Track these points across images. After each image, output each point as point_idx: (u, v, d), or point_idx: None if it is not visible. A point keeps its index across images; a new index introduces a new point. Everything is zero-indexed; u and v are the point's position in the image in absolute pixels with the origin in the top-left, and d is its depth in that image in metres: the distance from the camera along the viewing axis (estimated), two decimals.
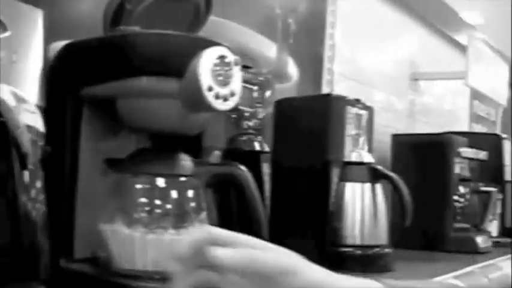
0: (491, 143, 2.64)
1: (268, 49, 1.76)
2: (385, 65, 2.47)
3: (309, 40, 1.97)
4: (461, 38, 3.01)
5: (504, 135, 2.71)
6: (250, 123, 1.20)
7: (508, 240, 2.46)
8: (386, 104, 2.48)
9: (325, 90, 2.02)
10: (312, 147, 1.56)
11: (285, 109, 1.65)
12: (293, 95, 1.84)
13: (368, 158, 1.61)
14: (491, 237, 2.48)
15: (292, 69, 1.86)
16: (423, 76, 2.65)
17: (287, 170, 1.54)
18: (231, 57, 0.96)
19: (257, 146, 1.20)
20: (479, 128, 3.70)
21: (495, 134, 2.79)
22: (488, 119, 3.91)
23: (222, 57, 0.94)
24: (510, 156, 2.72)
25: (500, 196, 2.64)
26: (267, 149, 1.24)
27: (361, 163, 1.59)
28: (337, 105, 1.59)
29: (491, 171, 2.61)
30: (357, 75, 2.26)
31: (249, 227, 0.97)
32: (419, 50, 2.79)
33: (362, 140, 1.64)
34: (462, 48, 2.87)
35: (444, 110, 3.17)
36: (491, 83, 2.76)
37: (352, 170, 1.58)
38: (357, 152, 1.61)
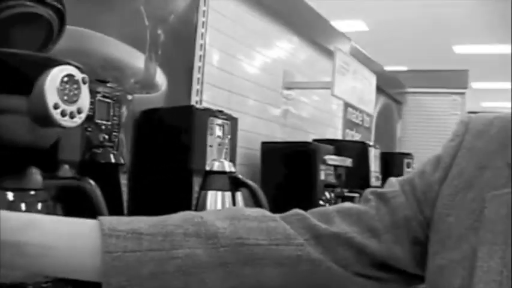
0: (358, 150, 2.79)
1: (136, 59, 1.80)
2: (257, 74, 2.56)
3: (179, 50, 2.02)
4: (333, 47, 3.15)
5: (370, 143, 2.85)
6: (107, 136, 1.24)
7: None
8: (259, 112, 2.56)
9: (194, 99, 2.07)
10: (175, 157, 1.62)
11: (150, 119, 1.70)
12: (162, 105, 1.88)
13: (229, 167, 1.68)
14: None
15: (161, 79, 1.91)
16: (295, 85, 2.76)
17: (150, 179, 1.59)
18: (79, 76, 1.00)
19: (113, 158, 1.25)
20: (352, 134, 3.87)
21: (361, 142, 2.94)
22: (362, 125, 4.09)
23: (69, 76, 0.98)
24: (375, 162, 2.88)
25: None
26: (122, 161, 1.28)
27: (222, 172, 1.66)
28: (200, 116, 1.65)
29: (358, 177, 2.75)
30: (228, 85, 2.33)
31: None
32: (292, 59, 2.89)
33: (225, 150, 1.71)
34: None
35: (319, 117, 3.30)
36: (359, 94, 2.91)
37: (213, 179, 1.65)
38: (219, 162, 1.67)
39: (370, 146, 2.83)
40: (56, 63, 0.97)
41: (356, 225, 0.74)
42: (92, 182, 1.02)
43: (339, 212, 0.76)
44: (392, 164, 3.22)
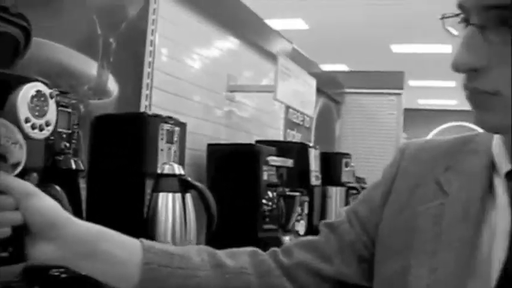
0: (298, 150, 2.93)
1: (89, 67, 1.89)
2: (202, 77, 2.67)
3: (129, 57, 2.11)
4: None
5: (310, 144, 3.00)
6: (67, 144, 1.33)
7: None
8: (204, 114, 2.67)
9: (144, 104, 2.17)
10: (128, 161, 1.71)
11: (104, 125, 1.79)
12: (113, 111, 1.98)
13: (179, 170, 1.79)
14: (299, 235, 2.77)
15: (113, 86, 2.00)
16: (238, 88, 2.88)
17: (105, 183, 1.68)
18: (47, 91, 1.09)
19: (73, 165, 1.34)
20: (293, 134, 4.01)
21: (302, 143, 3.08)
22: (302, 125, 4.25)
23: (38, 92, 1.07)
24: (315, 162, 3.02)
25: (307, 199, 2.94)
26: (82, 167, 1.37)
27: (173, 175, 1.76)
28: (151, 122, 1.75)
29: (299, 176, 2.90)
30: (175, 89, 2.43)
31: None
32: (235, 62, 3.01)
33: (174, 153, 1.82)
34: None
35: (262, 118, 3.43)
36: (300, 97, 3.05)
37: (164, 182, 1.75)
38: (170, 165, 1.78)
39: (310, 147, 2.98)
40: (26, 80, 1.06)
41: (310, 253, 0.91)
42: (59, 188, 1.11)
43: (297, 244, 0.94)
44: (331, 163, 3.38)
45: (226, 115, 2.94)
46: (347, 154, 3.58)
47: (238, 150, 2.49)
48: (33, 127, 1.06)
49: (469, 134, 0.92)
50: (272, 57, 3.16)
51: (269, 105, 3.51)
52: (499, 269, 0.77)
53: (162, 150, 1.77)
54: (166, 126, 1.79)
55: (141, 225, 1.71)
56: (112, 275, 0.85)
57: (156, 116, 1.78)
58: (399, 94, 5.36)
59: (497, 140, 0.84)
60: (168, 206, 1.74)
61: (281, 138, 3.72)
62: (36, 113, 1.07)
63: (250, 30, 3.16)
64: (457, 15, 0.75)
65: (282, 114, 3.79)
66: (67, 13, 1.81)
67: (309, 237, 0.95)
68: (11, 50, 1.19)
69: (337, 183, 3.40)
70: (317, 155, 3.06)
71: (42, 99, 1.09)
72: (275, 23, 9.20)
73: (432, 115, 14.21)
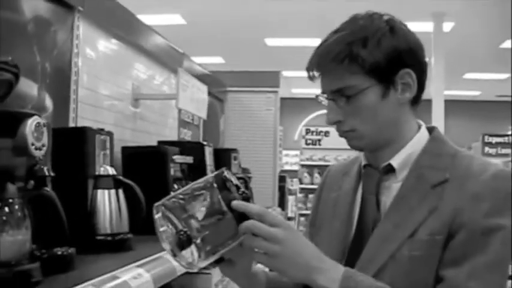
0: (196, 149, 3.42)
1: (32, 89, 2.30)
2: (114, 89, 3.11)
3: (59, 78, 2.53)
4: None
5: (205, 143, 3.50)
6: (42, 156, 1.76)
7: None
8: (116, 121, 3.12)
9: (71, 116, 2.59)
10: (73, 166, 2.15)
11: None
12: (51, 123, 2.39)
13: (112, 171, 2.24)
14: None
15: (49, 102, 2.41)
16: (143, 97, 3.33)
17: (56, 184, 2.11)
18: (42, 122, 1.54)
19: (46, 171, 1.76)
20: (185, 132, 4.50)
21: (199, 142, 3.57)
22: (192, 123, 4.74)
23: (38, 123, 1.52)
24: (209, 157, 3.53)
25: None
26: (52, 173, 1.79)
27: (107, 175, 2.22)
28: (89, 134, 2.20)
29: (198, 170, 3.38)
30: (94, 102, 2.87)
31: (56, 227, 1.57)
32: (143, 75, 3.48)
33: (107, 157, 2.27)
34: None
35: (159, 120, 3.89)
36: (195, 103, 3.55)
37: (102, 181, 2.20)
38: (104, 167, 2.23)
39: (205, 145, 3.48)
40: (30, 115, 1.51)
41: None
42: (50, 190, 1.56)
43: None
44: (221, 158, 3.90)
45: (132, 120, 3.40)
46: (235, 149, 4.12)
47: (149, 151, 2.95)
48: (36, 148, 1.52)
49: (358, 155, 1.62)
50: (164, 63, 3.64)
51: (165, 108, 3.99)
52: (356, 226, 1.47)
53: (98, 155, 2.22)
54: (100, 137, 2.24)
55: (85, 216, 2.15)
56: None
57: (92, 129, 2.23)
58: (276, 92, 5.89)
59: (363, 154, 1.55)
60: (105, 200, 2.19)
61: (175, 136, 4.21)
62: (37, 138, 1.52)
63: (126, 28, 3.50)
64: (323, 93, 1.37)
65: (176, 115, 4.27)
66: (14, 46, 2.22)
67: None
68: (6, 90, 1.62)
69: None
70: (211, 151, 3.56)
71: (40, 128, 1.54)
72: (153, 19, 9.54)
73: (305, 103, 14.99)
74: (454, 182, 1.38)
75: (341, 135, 1.45)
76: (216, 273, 2.62)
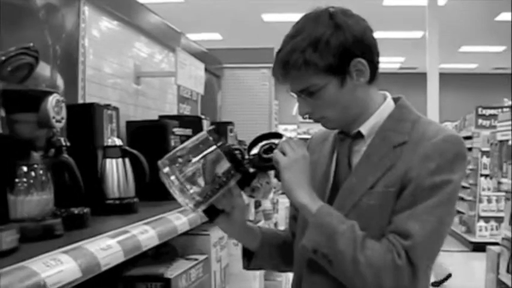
0: (194, 122, 3.67)
1: (44, 70, 2.55)
2: (117, 69, 3.36)
3: (69, 59, 2.78)
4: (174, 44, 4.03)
5: (202, 116, 3.75)
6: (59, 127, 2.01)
7: None
8: (120, 97, 3.37)
9: (80, 93, 2.85)
10: (85, 138, 2.40)
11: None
12: None
13: (119, 142, 2.50)
14: None
15: (60, 82, 2.67)
16: (145, 74, 3.59)
17: (70, 154, 2.37)
18: (60, 98, 1.80)
19: (63, 142, 2.01)
20: (184, 107, 4.75)
21: (197, 116, 3.83)
22: (191, 99, 4.99)
23: (57, 100, 1.78)
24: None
25: None
26: (68, 143, 2.04)
27: (115, 146, 2.47)
28: (98, 109, 2.45)
29: None
30: (100, 80, 3.12)
31: (73, 189, 1.83)
32: (143, 54, 3.73)
33: (114, 130, 2.53)
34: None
35: (161, 96, 4.14)
36: (193, 80, 3.80)
37: (110, 151, 2.46)
38: (111, 139, 2.49)
39: (202, 118, 3.73)
40: (50, 93, 1.76)
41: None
42: (69, 157, 1.83)
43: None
44: (218, 130, 4.13)
45: (134, 96, 3.65)
46: (231, 122, 4.38)
47: (151, 125, 3.20)
48: (56, 121, 1.77)
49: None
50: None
51: (166, 84, 4.24)
52: (332, 182, 1.76)
53: (106, 128, 2.48)
54: (107, 112, 2.50)
55: (96, 182, 2.41)
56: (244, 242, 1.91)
57: (100, 105, 2.48)
58: (270, 68, 6.10)
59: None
60: (113, 168, 2.45)
61: (175, 111, 4.46)
62: (57, 112, 1.78)
63: (158, 33, 3.81)
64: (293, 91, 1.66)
65: (175, 91, 4.52)
66: (28, 31, 2.47)
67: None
68: (28, 73, 1.87)
69: None
70: (208, 124, 3.82)
71: (59, 103, 1.79)
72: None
73: None
74: (411, 144, 1.65)
75: (316, 121, 1.75)
76: (215, 234, 2.88)
